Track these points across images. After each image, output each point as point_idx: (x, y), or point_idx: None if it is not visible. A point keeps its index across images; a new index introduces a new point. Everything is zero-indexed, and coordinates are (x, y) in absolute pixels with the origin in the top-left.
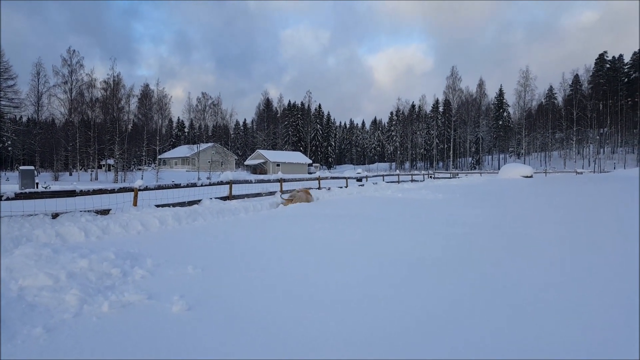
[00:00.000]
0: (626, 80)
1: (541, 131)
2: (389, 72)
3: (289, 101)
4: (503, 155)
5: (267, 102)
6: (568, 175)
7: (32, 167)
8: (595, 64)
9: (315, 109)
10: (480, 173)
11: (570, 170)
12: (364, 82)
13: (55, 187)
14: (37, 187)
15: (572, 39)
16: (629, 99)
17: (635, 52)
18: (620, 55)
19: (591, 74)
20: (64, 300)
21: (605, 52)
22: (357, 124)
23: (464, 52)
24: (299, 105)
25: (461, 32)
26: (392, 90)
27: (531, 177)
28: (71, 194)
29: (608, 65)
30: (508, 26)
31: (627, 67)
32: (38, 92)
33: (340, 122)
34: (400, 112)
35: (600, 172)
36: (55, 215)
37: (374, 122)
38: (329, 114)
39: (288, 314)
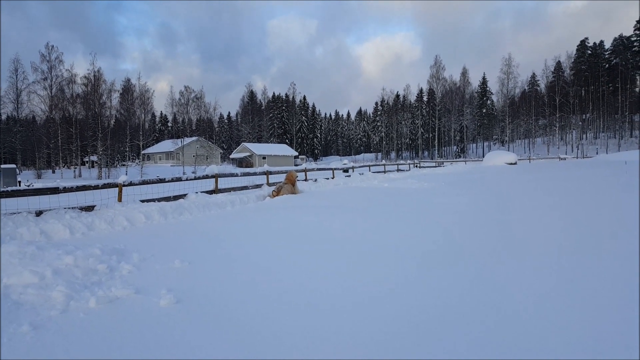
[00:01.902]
0: (607, 66)
1: (524, 118)
2: (377, 61)
3: (274, 93)
4: (487, 143)
5: (251, 95)
6: (552, 161)
7: (13, 166)
8: (577, 50)
9: (300, 101)
10: (465, 161)
11: (554, 157)
12: (352, 72)
13: (38, 184)
14: (19, 186)
15: (560, 26)
16: (610, 85)
17: (615, 38)
18: (601, 42)
19: (573, 60)
20: (50, 297)
21: (587, 38)
22: (342, 115)
23: (452, 40)
24: (284, 97)
25: (450, 20)
26: (380, 79)
27: (515, 164)
28: (54, 191)
29: (589, 52)
30: (496, 13)
31: (607, 53)
32: (17, 89)
33: (326, 114)
34: (385, 102)
35: (584, 157)
36: (39, 213)
37: (359, 112)
38: (314, 106)
39: (276, 306)
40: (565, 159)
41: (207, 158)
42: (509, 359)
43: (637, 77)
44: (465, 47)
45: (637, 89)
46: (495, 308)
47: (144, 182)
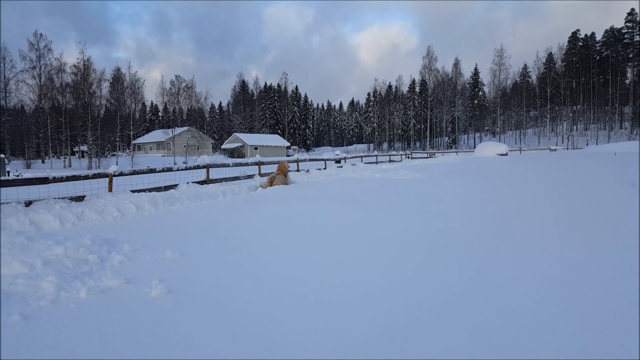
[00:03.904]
0: (598, 58)
1: (516, 109)
2: (374, 50)
3: (265, 83)
4: (479, 134)
5: (243, 85)
6: (542, 152)
7: (2, 155)
8: (569, 42)
9: (292, 91)
10: (457, 152)
11: (545, 148)
12: (348, 62)
13: (28, 174)
14: (8, 176)
15: (558, 15)
16: (601, 77)
17: (606, 29)
18: (593, 34)
19: (564, 52)
20: (40, 288)
21: (578, 30)
22: (334, 105)
23: (449, 30)
24: (276, 88)
25: (448, 9)
26: (377, 69)
27: (506, 154)
28: (44, 181)
29: (581, 43)
30: (495, 3)
31: (599, 45)
32: (4, 77)
33: (318, 104)
34: (378, 92)
35: (574, 148)
36: (28, 203)
37: (352, 103)
38: (306, 96)
39: (269, 297)
40: (555, 150)
41: (198, 148)
42: (508, 358)
43: (628, 69)
44: (463, 38)
45: (627, 81)
46: (495, 304)
47: (134, 172)
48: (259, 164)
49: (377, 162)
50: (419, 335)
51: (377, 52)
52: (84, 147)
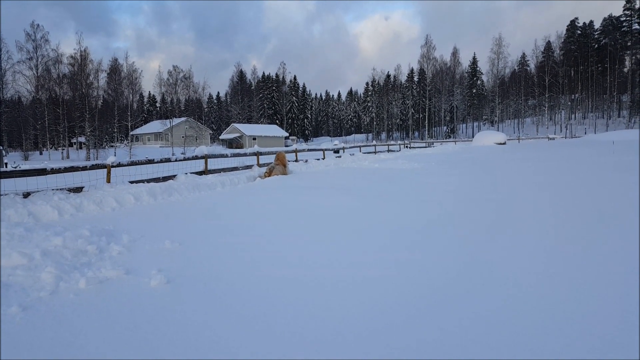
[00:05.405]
0: (596, 46)
1: (514, 98)
2: (376, 39)
3: (264, 73)
4: (477, 123)
5: (241, 75)
6: (540, 141)
7: (0, 147)
8: (567, 30)
9: (291, 81)
10: (455, 141)
11: (543, 136)
12: (349, 51)
13: (26, 166)
14: (6, 167)
15: (560, 4)
16: (599, 65)
17: (605, 17)
18: (591, 22)
19: (562, 40)
20: (39, 279)
21: (576, 18)
22: (332, 95)
23: (451, 18)
24: (274, 78)
25: None
26: (378, 59)
27: (504, 144)
28: (42, 172)
29: (579, 32)
30: None
31: (597, 33)
32: (1, 68)
33: (316, 94)
34: (376, 82)
35: (572, 137)
36: (26, 195)
37: (350, 93)
38: (304, 86)
39: (269, 285)
40: (554, 138)
41: (196, 139)
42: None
43: (626, 58)
44: (464, 25)
45: (625, 69)
46: (492, 292)
47: (132, 163)
48: (257, 154)
49: (375, 152)
50: (417, 319)
51: (379, 41)
52: (82, 139)
